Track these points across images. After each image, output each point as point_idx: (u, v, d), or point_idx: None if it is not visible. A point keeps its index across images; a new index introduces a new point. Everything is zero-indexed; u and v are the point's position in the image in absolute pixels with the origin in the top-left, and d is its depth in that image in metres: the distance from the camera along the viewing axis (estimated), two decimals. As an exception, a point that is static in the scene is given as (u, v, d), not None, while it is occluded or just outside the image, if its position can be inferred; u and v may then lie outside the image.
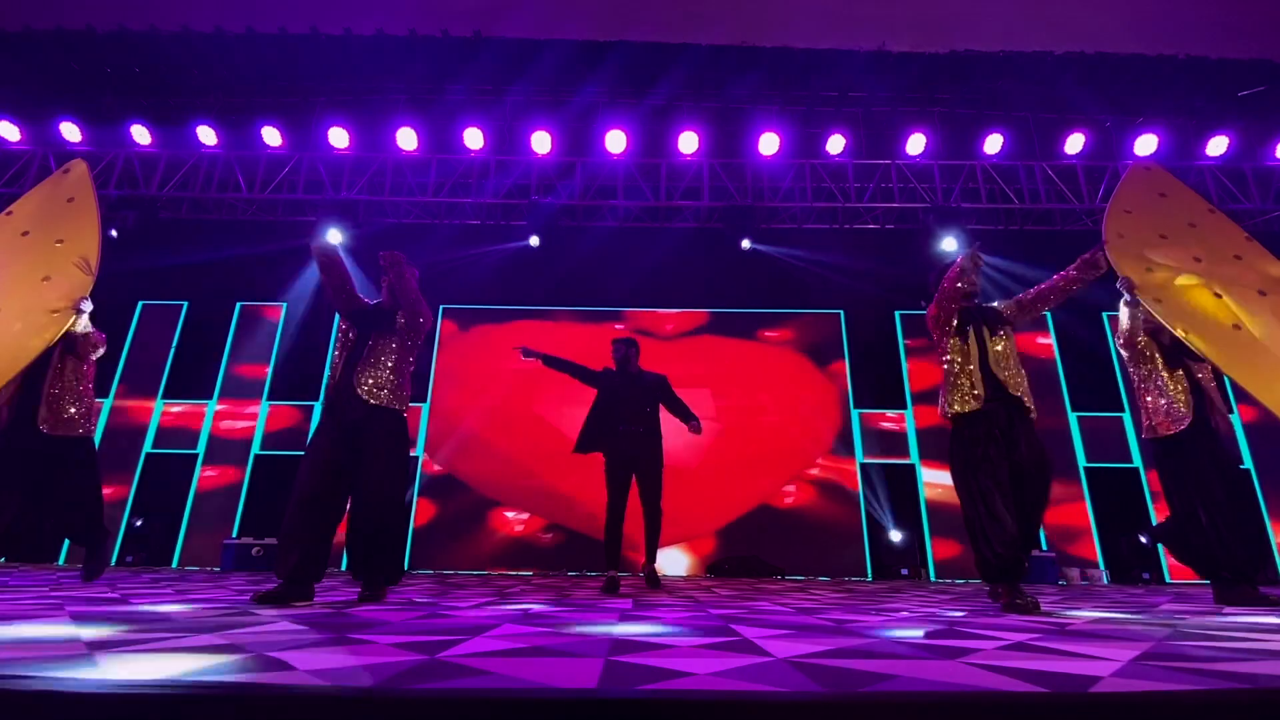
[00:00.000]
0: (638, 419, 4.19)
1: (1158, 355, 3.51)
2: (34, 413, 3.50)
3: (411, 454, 6.63)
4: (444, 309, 7.90)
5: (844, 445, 7.39)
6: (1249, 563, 3.23)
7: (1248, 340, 3.03)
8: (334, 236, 7.57)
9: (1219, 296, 3.17)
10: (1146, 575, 6.67)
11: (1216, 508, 3.25)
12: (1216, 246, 3.45)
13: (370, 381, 2.73)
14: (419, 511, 7.01)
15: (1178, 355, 3.43)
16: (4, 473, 3.42)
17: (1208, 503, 3.27)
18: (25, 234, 3.61)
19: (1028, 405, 2.85)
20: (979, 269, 2.99)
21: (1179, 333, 3.03)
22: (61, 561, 6.64)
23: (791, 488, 7.24)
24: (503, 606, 2.45)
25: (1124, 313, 3.59)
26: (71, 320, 3.31)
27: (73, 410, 3.62)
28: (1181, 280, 3.22)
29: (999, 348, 2.90)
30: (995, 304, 3.09)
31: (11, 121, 7.59)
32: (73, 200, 3.72)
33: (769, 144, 7.70)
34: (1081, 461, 7.19)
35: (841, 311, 7.88)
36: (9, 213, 3.74)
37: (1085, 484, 7.09)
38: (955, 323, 2.96)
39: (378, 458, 2.69)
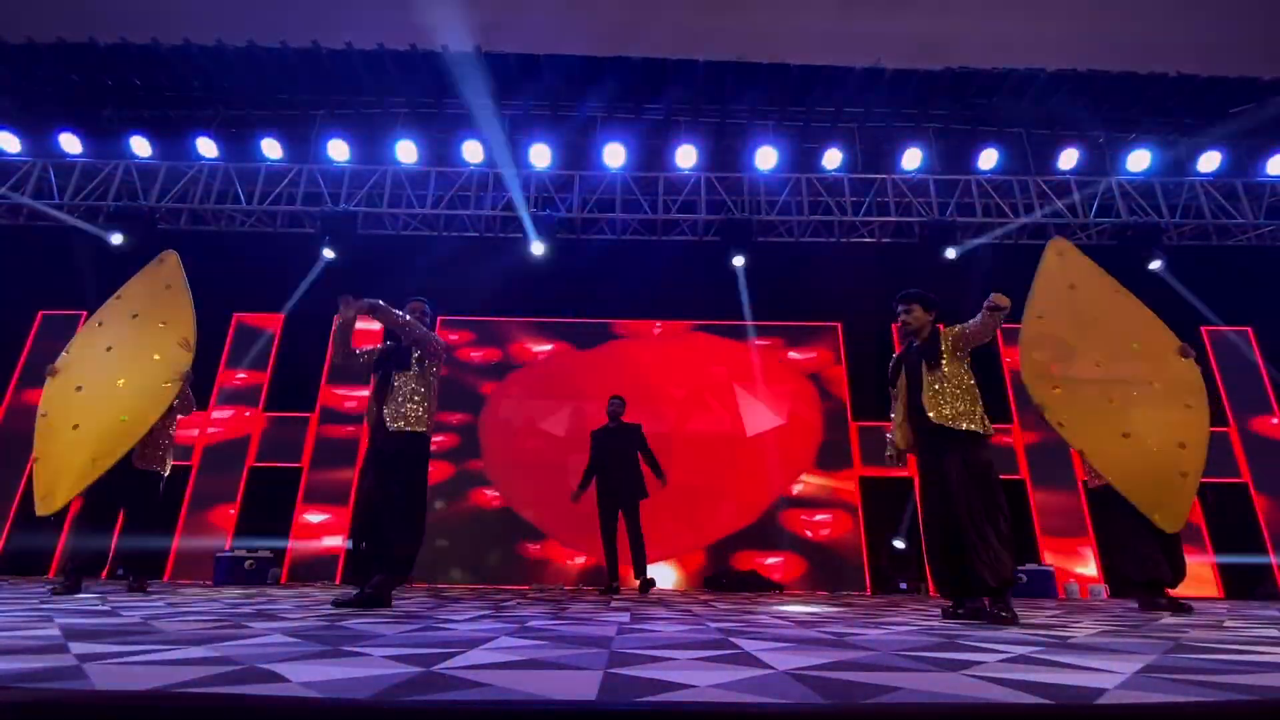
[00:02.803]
0: (620, 465, 5.26)
1: None
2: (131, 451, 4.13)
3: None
4: (440, 320, 7.89)
5: (843, 458, 7.37)
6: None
7: (1130, 449, 3.55)
8: (327, 253, 7.56)
9: (1112, 402, 3.64)
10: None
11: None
12: (1117, 341, 3.85)
13: (394, 411, 3.14)
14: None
15: None
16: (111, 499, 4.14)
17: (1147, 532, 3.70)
18: (135, 316, 4.39)
19: (959, 429, 2.88)
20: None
21: (1080, 449, 3.63)
22: (52, 575, 6.55)
23: (796, 489, 7.21)
24: (500, 620, 2.42)
25: None
26: (179, 389, 4.20)
27: (159, 451, 4.33)
28: (1081, 393, 3.68)
29: (936, 386, 2.98)
30: (939, 337, 3.10)
31: (11, 132, 7.61)
32: (170, 287, 4.51)
33: (766, 158, 7.77)
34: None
35: (839, 324, 7.89)
36: (119, 296, 4.53)
37: (1084, 499, 7.06)
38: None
39: (395, 475, 3.08)
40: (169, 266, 4.64)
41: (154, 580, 6.25)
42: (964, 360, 3.04)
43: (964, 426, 2.87)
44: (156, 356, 4.24)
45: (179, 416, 4.51)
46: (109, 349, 4.27)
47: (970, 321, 3.03)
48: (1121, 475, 3.51)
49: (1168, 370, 3.74)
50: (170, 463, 4.47)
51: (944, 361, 2.99)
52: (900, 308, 3.18)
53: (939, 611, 3.15)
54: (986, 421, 2.95)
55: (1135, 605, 3.99)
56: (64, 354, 4.30)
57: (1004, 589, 2.66)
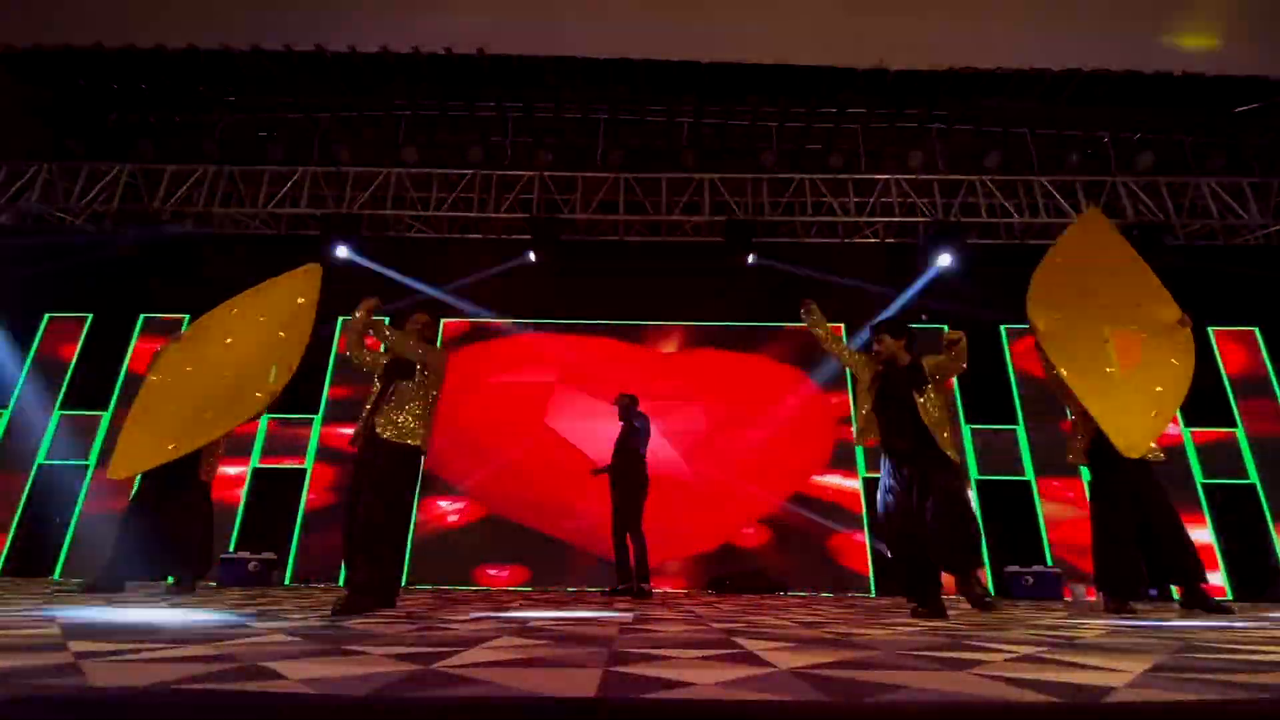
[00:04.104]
0: (616, 466, 5.25)
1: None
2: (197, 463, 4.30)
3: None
4: (444, 323, 7.90)
5: (847, 460, 7.34)
6: (1195, 574, 3.69)
7: (1110, 380, 3.73)
8: (342, 252, 7.57)
9: (1105, 340, 3.83)
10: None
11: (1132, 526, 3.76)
12: (1125, 295, 4.10)
13: (386, 422, 3.05)
14: (417, 525, 6.95)
15: None
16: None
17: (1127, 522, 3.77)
18: (263, 318, 4.33)
19: (942, 454, 3.18)
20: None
21: (1059, 371, 3.72)
22: (57, 576, 6.58)
23: (792, 502, 7.19)
24: (501, 619, 2.41)
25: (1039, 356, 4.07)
26: (265, 406, 4.07)
27: (214, 460, 4.46)
28: (1077, 322, 3.88)
29: (926, 409, 3.26)
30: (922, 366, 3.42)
31: (18, 136, 7.66)
32: (303, 302, 4.34)
33: (768, 159, 7.76)
34: (1086, 475, 7.12)
35: (843, 325, 7.87)
36: (260, 290, 4.44)
37: (1090, 498, 7.01)
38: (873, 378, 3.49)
39: (376, 485, 2.97)
40: (311, 281, 4.48)
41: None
42: (941, 389, 3.38)
43: (946, 452, 3.18)
44: (263, 366, 4.14)
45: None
46: (229, 341, 4.23)
47: (942, 355, 3.41)
48: (1096, 402, 3.67)
49: (1163, 328, 3.98)
50: (215, 469, 4.53)
51: (930, 389, 3.31)
52: (872, 338, 3.54)
53: (909, 611, 3.20)
54: (959, 448, 3.39)
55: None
56: (195, 325, 4.37)
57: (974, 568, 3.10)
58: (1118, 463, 3.73)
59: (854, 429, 3.53)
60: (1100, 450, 3.82)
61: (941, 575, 3.11)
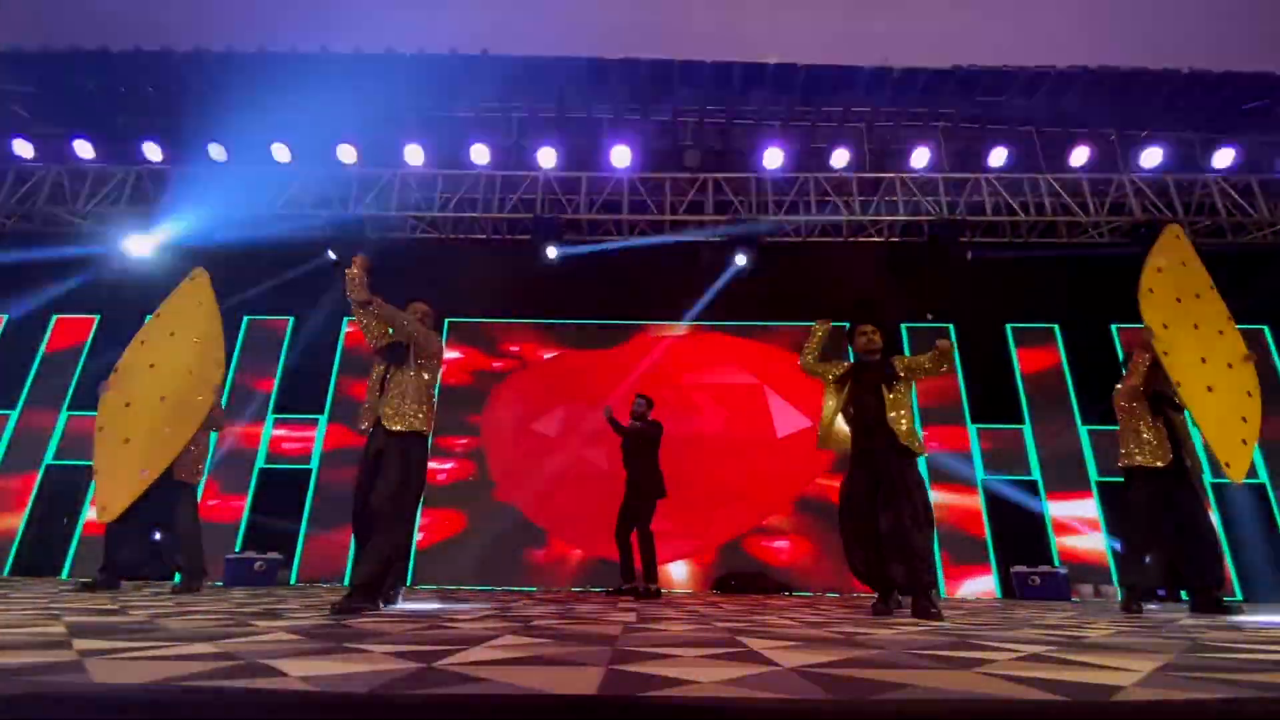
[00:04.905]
0: (631, 466, 5.26)
1: (1147, 403, 4.08)
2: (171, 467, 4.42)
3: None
4: (449, 323, 7.91)
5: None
6: (1209, 579, 3.73)
7: (1214, 401, 3.98)
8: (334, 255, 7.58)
9: (1204, 361, 4.09)
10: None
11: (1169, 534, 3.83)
12: (1210, 319, 4.34)
13: (391, 410, 3.12)
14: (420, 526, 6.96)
15: (1160, 405, 4.07)
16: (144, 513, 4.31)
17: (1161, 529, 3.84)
18: (173, 334, 4.73)
19: (909, 446, 3.30)
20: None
21: (1176, 381, 3.88)
22: (65, 575, 6.61)
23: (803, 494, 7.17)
24: (504, 618, 2.41)
25: (1137, 360, 4.15)
26: (213, 403, 4.57)
27: (192, 461, 4.55)
28: (1183, 338, 4.09)
29: (895, 404, 3.40)
30: (894, 363, 3.56)
31: (25, 139, 7.71)
32: (201, 304, 4.88)
33: (773, 158, 7.73)
34: (1093, 475, 7.09)
35: (846, 325, 7.82)
36: (158, 315, 4.86)
37: (1097, 497, 6.98)
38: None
39: (385, 474, 3.02)
40: (200, 284, 4.97)
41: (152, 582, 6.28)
42: (908, 385, 3.52)
43: (913, 445, 3.30)
44: (191, 372, 4.59)
45: (213, 430, 4.80)
46: (152, 366, 4.60)
47: (922, 356, 3.53)
48: (1207, 422, 3.88)
49: (1238, 360, 4.26)
50: (203, 470, 4.66)
51: (900, 385, 3.45)
52: (867, 328, 3.66)
53: (892, 609, 3.24)
54: (922, 441, 3.43)
55: (1154, 606, 3.96)
56: (114, 372, 4.63)
57: (930, 588, 3.01)
58: (1164, 469, 3.88)
59: (819, 433, 3.64)
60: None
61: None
